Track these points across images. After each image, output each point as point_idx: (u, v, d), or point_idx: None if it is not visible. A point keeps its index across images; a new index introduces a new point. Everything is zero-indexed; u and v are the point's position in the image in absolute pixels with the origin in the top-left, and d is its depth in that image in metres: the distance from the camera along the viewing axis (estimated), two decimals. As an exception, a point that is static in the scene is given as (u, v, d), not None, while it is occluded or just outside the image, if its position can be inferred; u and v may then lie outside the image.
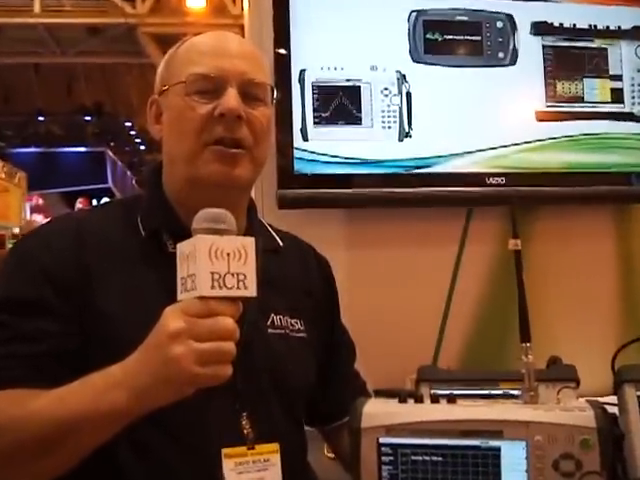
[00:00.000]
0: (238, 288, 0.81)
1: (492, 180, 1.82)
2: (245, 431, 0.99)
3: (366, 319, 1.72)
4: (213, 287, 0.80)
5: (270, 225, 1.21)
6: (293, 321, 1.11)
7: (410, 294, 1.84)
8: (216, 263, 0.80)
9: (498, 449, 0.87)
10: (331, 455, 1.48)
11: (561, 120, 1.90)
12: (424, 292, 1.85)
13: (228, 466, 0.95)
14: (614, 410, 1.18)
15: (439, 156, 1.82)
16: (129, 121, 15.74)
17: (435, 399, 0.96)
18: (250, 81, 1.05)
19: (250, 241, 0.83)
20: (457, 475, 0.88)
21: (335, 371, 1.22)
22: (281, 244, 1.17)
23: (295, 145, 1.75)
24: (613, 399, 1.20)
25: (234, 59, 1.05)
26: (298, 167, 1.75)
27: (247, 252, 0.82)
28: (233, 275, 0.81)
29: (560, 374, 1.37)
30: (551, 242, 1.93)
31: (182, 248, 0.84)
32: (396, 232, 1.86)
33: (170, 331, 0.81)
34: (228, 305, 0.81)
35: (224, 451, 0.96)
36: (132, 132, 16.50)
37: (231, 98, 1.01)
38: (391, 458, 0.89)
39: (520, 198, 1.81)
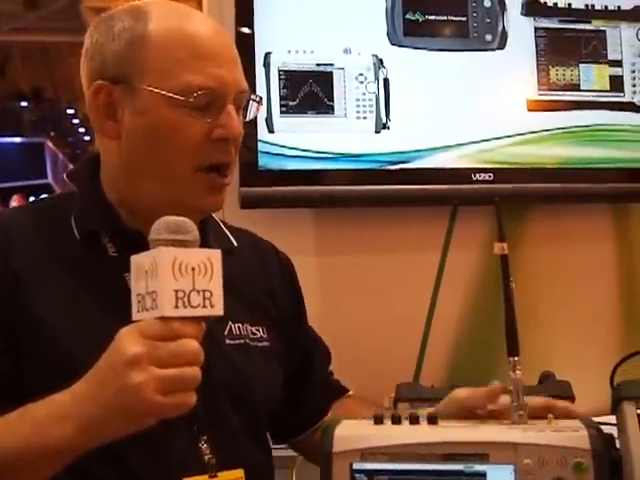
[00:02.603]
0: (204, 307, 0.81)
1: (478, 176, 1.85)
2: (206, 457, 0.99)
3: (339, 332, 1.72)
4: (177, 306, 0.79)
5: (222, 221, 1.21)
6: (254, 329, 1.12)
7: (388, 304, 1.86)
8: (180, 279, 0.80)
9: (484, 474, 0.89)
10: (301, 484, 1.49)
11: (555, 110, 1.93)
12: (404, 302, 1.87)
13: None
14: (613, 430, 1.21)
15: (420, 150, 1.84)
16: (71, 107, 15.58)
17: (414, 420, 0.96)
18: (242, 91, 1.05)
19: (217, 253, 0.83)
20: (439, 504, 0.89)
21: (308, 379, 1.24)
22: (235, 244, 1.18)
23: (259, 137, 1.75)
24: (611, 419, 1.23)
25: (230, 64, 1.04)
26: (263, 162, 1.76)
27: (213, 266, 0.82)
28: (199, 292, 0.81)
29: (553, 391, 1.39)
30: (544, 245, 1.97)
31: (139, 261, 0.83)
32: (372, 235, 1.88)
33: (128, 356, 0.80)
34: (192, 326, 0.81)
35: None
36: (75, 120, 16.34)
37: (234, 120, 1.02)
38: (366, 486, 0.91)
39: (509, 196, 1.84)
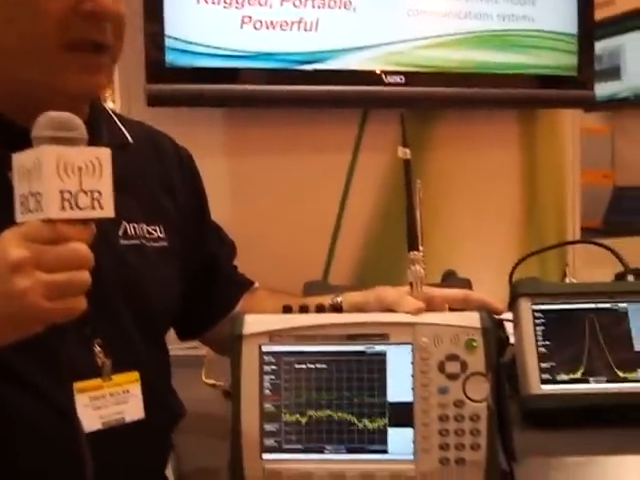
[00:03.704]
0: (92, 208, 0.78)
1: (390, 79, 1.89)
2: (99, 361, 0.99)
3: (249, 232, 1.77)
4: (63, 208, 0.76)
5: (116, 113, 1.17)
6: (151, 228, 1.10)
7: (298, 205, 1.91)
8: (66, 180, 0.76)
9: (384, 354, 0.96)
10: (210, 381, 1.56)
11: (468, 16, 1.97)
12: (314, 202, 1.93)
13: (82, 402, 0.95)
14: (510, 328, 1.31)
15: (333, 50, 1.86)
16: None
17: (321, 309, 1.01)
18: None
19: (106, 152, 0.80)
20: (342, 382, 0.96)
21: (215, 275, 1.26)
22: (130, 139, 1.13)
23: (167, 33, 1.73)
24: (510, 317, 1.34)
25: None
26: (171, 58, 1.74)
27: (102, 165, 0.79)
28: (86, 193, 0.78)
29: (453, 287, 1.50)
30: (453, 148, 2.05)
31: (21, 160, 0.79)
32: (283, 136, 1.91)
33: (12, 261, 0.76)
34: (80, 228, 0.78)
35: (76, 385, 0.95)
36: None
37: None
38: (274, 367, 0.96)
39: (420, 99, 1.91)
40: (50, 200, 0.76)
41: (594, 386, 1.26)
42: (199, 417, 1.27)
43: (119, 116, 1.17)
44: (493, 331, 0.96)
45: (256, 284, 1.33)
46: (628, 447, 1.17)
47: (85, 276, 0.79)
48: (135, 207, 1.09)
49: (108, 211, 0.80)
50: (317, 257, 1.90)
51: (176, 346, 1.33)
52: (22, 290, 0.76)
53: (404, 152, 1.09)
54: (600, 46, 2.26)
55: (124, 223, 1.07)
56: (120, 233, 1.06)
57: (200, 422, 1.27)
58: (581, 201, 2.27)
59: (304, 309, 1.02)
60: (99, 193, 0.79)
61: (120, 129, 1.14)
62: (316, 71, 1.85)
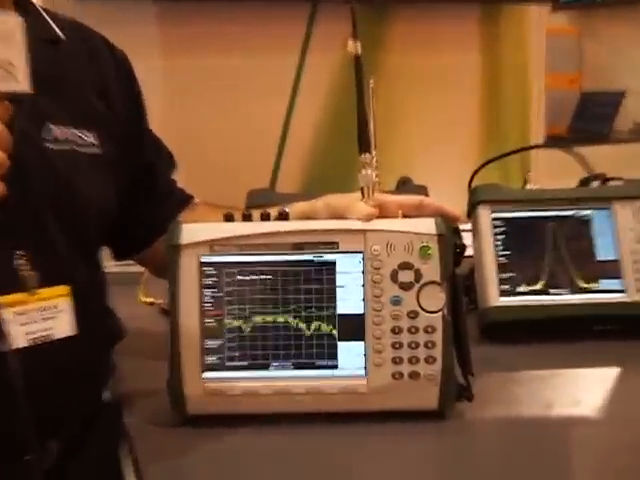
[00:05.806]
0: (5, 80, 0.77)
1: (340, -32, 1.83)
2: (24, 274, 0.96)
3: (190, 140, 1.74)
4: None
5: (44, 8, 1.12)
6: (81, 133, 1.06)
7: (243, 109, 1.88)
8: None
9: (333, 263, 0.94)
10: (147, 300, 1.55)
11: None
12: (259, 106, 1.89)
13: (6, 317, 0.92)
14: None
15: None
16: None
17: (266, 217, 0.99)
18: None
19: (16, 19, 0.78)
20: (288, 294, 0.94)
21: (152, 188, 1.24)
22: (62, 35, 1.09)
23: None
24: (469, 227, 1.33)
25: None
26: (96, -57, 1.67)
27: (14, 32, 0.77)
28: None
29: (408, 194, 1.48)
30: (409, 47, 2.02)
31: None
32: (224, 34, 1.86)
33: None
34: None
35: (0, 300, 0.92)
36: None
37: None
38: (215, 279, 0.94)
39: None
40: None
41: (555, 298, 1.27)
42: (135, 337, 1.26)
43: (48, 12, 1.12)
44: (449, 238, 0.95)
45: (196, 199, 1.31)
46: (588, 360, 1.19)
47: (1, 156, 0.77)
48: (63, 109, 1.05)
49: (24, 86, 0.78)
50: (263, 165, 1.88)
51: (110, 263, 1.30)
52: None
53: (354, 46, 1.04)
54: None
55: (50, 125, 1.02)
56: (48, 137, 1.02)
57: (137, 342, 1.25)
58: (546, 106, 2.27)
59: (247, 217, 0.99)
60: (11, 64, 0.77)
61: (49, 24, 1.09)
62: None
